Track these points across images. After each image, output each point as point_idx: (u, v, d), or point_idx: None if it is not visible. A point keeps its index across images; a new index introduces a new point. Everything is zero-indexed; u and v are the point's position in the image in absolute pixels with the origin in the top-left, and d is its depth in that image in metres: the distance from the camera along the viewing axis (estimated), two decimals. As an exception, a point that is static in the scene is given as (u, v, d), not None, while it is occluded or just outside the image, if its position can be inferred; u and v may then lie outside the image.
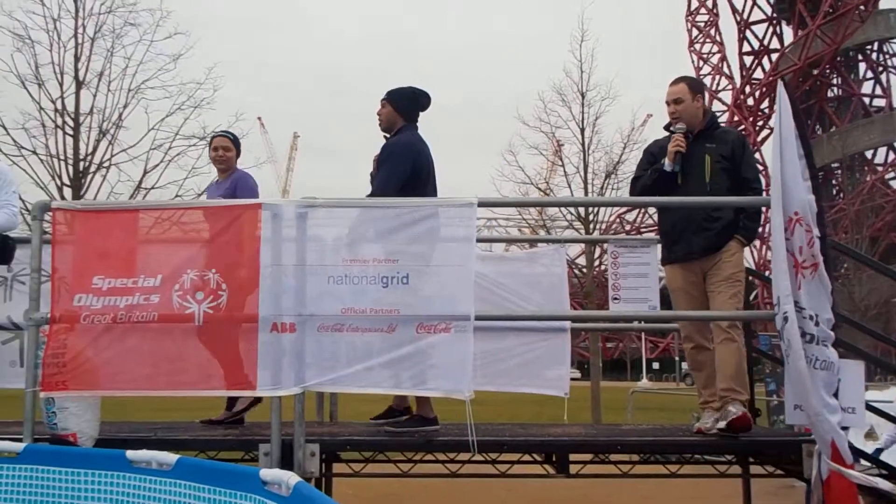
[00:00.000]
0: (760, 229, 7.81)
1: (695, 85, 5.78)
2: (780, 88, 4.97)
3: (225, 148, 6.30)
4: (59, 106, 18.26)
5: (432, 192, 5.65)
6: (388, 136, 5.87)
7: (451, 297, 4.79)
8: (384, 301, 4.80)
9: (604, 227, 24.84)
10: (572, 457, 5.38)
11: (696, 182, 5.57)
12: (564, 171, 24.09)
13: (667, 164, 5.56)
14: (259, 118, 64.52)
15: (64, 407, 4.84)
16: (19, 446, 4.40)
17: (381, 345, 4.80)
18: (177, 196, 17.71)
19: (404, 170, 5.58)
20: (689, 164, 5.58)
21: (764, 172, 14.80)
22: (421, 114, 5.92)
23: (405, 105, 5.87)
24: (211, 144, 6.45)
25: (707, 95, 5.81)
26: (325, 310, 4.80)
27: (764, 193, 5.58)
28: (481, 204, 5.03)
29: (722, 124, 5.85)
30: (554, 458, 5.40)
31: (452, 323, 4.72)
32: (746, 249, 5.87)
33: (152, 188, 18.30)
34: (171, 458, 3.90)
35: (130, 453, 4.04)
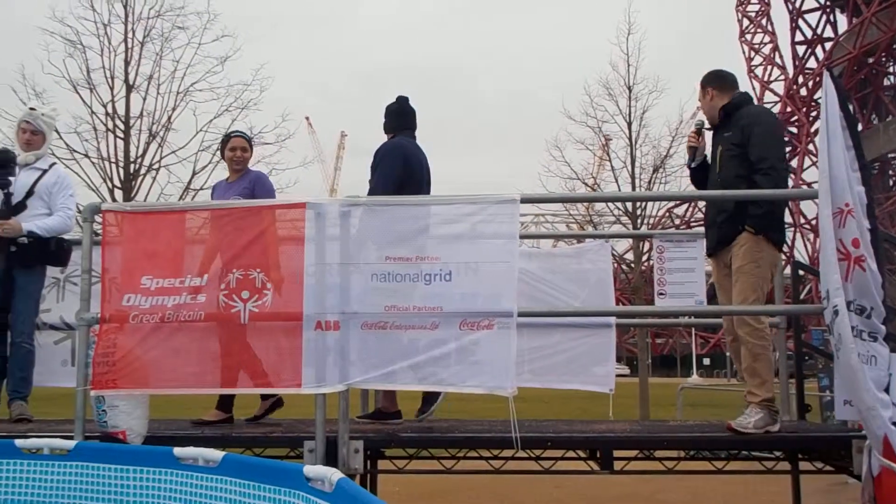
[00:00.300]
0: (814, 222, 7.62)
1: (705, 79, 5.77)
2: (826, 78, 4.88)
3: (243, 149, 6.34)
4: (109, 110, 18.59)
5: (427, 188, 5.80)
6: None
7: (494, 294, 4.79)
8: (427, 298, 4.81)
9: (652, 221, 24.55)
10: (617, 453, 5.34)
11: (711, 174, 5.61)
12: (611, 166, 23.89)
13: (687, 159, 5.62)
14: (307, 118, 65.13)
15: (114, 405, 4.94)
16: (70, 443, 4.50)
17: (424, 342, 4.81)
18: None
19: (396, 169, 5.84)
20: (711, 156, 5.64)
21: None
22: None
23: (390, 120, 6.23)
24: (227, 145, 6.43)
25: (726, 84, 5.68)
26: (369, 307, 4.83)
27: (793, 177, 5.48)
28: (525, 200, 5.02)
29: (750, 106, 5.64)
30: (598, 455, 5.36)
31: (495, 319, 4.71)
32: (799, 241, 5.76)
33: (201, 189, 18.54)
34: (217, 454, 3.95)
35: (178, 450, 4.10)
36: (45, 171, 6.32)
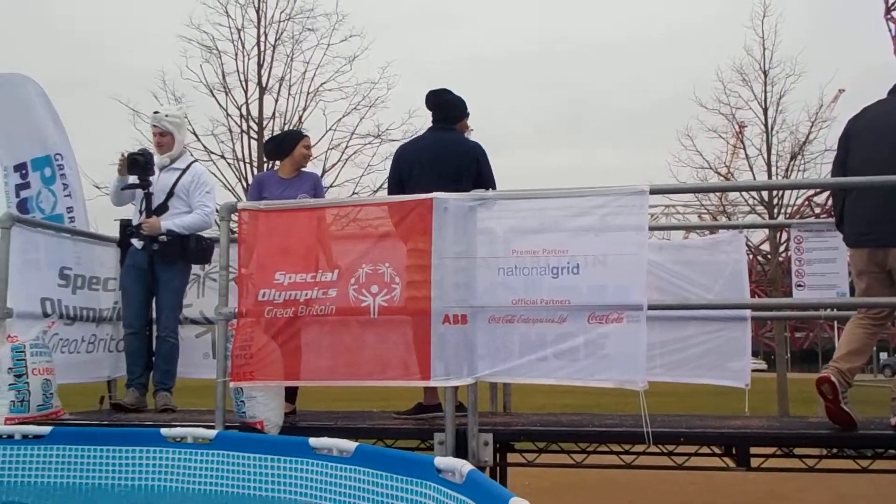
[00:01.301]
0: None
1: None
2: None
3: (311, 149, 6.54)
4: (244, 112, 19.19)
5: (418, 187, 5.52)
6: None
7: (623, 287, 4.71)
8: (555, 292, 4.78)
9: (790, 211, 23.60)
10: (754, 450, 5.17)
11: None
12: (746, 154, 23.07)
13: None
14: (433, 114, 65.43)
15: (252, 396, 5.12)
16: (212, 433, 4.70)
17: (552, 335, 4.78)
18: (353, 193, 18.24)
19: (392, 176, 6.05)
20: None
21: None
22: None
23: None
24: (300, 142, 6.55)
25: None
26: (496, 301, 4.84)
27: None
28: (654, 191, 4.92)
29: None
30: (734, 451, 5.20)
31: (625, 312, 4.64)
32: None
33: (331, 186, 18.92)
34: (350, 445, 4.05)
35: (313, 441, 4.23)
36: (183, 171, 6.58)
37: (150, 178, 6.44)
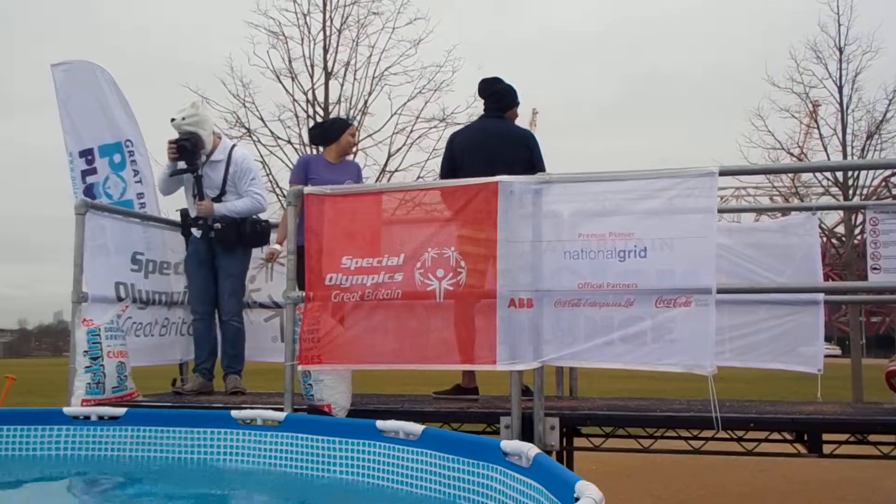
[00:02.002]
0: None
1: None
2: None
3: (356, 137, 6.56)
4: (310, 97, 19.34)
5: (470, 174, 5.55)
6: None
7: (691, 270, 4.65)
8: (621, 275, 4.73)
9: (866, 192, 22.94)
10: (827, 436, 5.06)
11: None
12: (820, 134, 22.51)
13: None
14: (498, 97, 65.28)
15: (319, 379, 5.18)
16: (281, 415, 4.78)
17: (619, 319, 4.74)
18: (419, 177, 18.28)
19: (444, 159, 6.30)
20: None
21: None
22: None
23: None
24: (347, 130, 6.68)
25: None
26: (562, 285, 4.81)
27: None
28: (724, 172, 4.83)
29: None
30: (805, 438, 5.10)
31: (693, 296, 4.57)
32: None
33: (396, 171, 19.00)
34: (417, 428, 4.08)
35: (380, 423, 4.26)
36: (227, 162, 6.58)
37: (198, 162, 6.51)
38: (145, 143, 7.50)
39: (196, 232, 6.55)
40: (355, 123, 7.00)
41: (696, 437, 5.30)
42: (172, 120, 6.52)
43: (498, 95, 6.27)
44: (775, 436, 5.26)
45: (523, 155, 5.98)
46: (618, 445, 5.52)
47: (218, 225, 6.42)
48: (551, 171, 5.40)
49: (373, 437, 4.29)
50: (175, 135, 6.44)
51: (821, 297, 6.48)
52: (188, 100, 7.23)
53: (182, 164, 6.49)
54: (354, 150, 19.81)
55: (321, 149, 6.81)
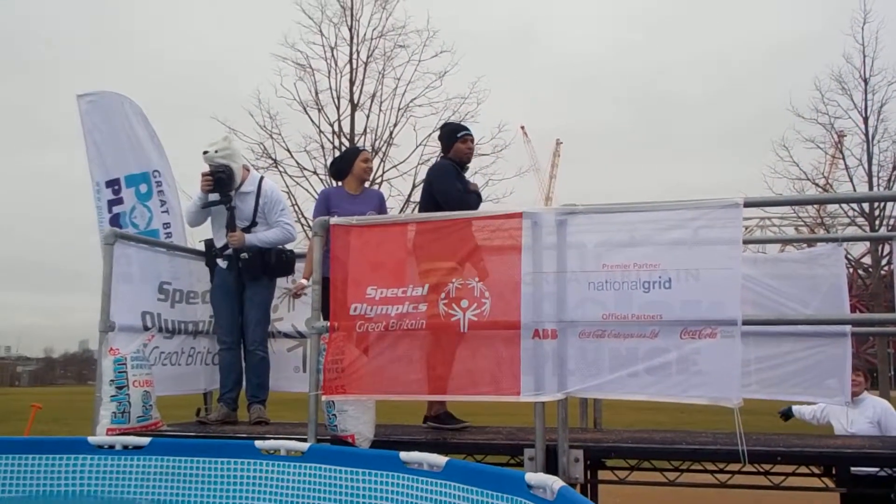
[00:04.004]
0: None
1: None
2: None
3: (371, 163, 6.53)
4: (336, 128, 19.58)
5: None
6: (466, 167, 6.51)
7: (716, 301, 4.62)
8: (646, 306, 4.71)
9: (893, 222, 22.78)
10: (856, 470, 5.00)
11: None
12: (845, 164, 22.46)
13: None
14: (522, 127, 65.42)
15: (343, 410, 5.18)
16: (304, 446, 4.78)
17: (644, 350, 4.72)
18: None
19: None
20: None
21: None
22: None
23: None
24: (358, 157, 6.64)
25: None
26: (587, 316, 4.80)
27: None
28: (749, 204, 4.82)
29: None
30: (833, 471, 5.04)
31: (718, 328, 4.55)
32: None
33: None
34: (441, 460, 4.06)
35: (404, 455, 4.25)
36: (257, 194, 6.65)
37: (231, 194, 6.56)
38: (173, 173, 7.58)
39: (222, 262, 6.60)
40: (367, 149, 7.00)
41: (722, 471, 5.24)
42: (205, 153, 6.57)
43: (441, 141, 6.54)
44: (803, 469, 5.20)
45: (426, 188, 6.35)
46: (643, 479, 5.47)
47: (245, 255, 6.47)
48: (572, 201, 5.40)
49: (396, 469, 4.27)
50: (205, 167, 6.51)
51: (848, 328, 6.42)
52: (219, 133, 7.33)
53: (214, 196, 6.54)
54: (378, 179, 20.13)
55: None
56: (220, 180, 6.46)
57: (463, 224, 5.16)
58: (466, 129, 6.42)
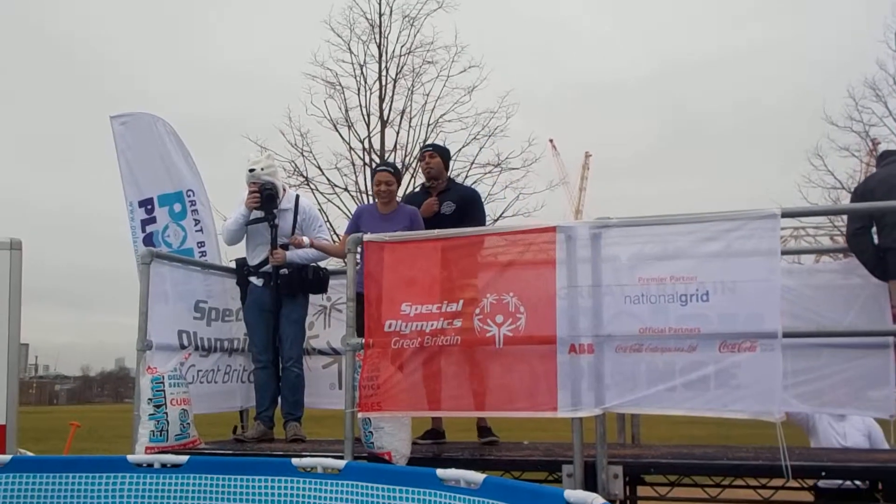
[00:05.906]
0: None
1: None
2: None
3: (388, 182, 6.45)
4: (366, 145, 19.68)
5: None
6: (429, 183, 6.85)
7: (755, 314, 4.57)
8: (683, 320, 4.66)
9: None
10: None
11: None
12: (881, 172, 22.16)
13: None
14: (551, 140, 65.31)
15: (379, 426, 5.17)
16: (341, 463, 4.76)
17: (681, 364, 4.67)
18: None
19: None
20: None
21: None
22: None
23: (448, 160, 7.12)
24: (376, 178, 6.60)
25: None
26: (623, 330, 4.76)
27: None
28: (786, 214, 4.77)
29: None
30: (880, 486, 4.94)
31: (758, 341, 4.49)
32: None
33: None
34: (478, 477, 4.03)
35: (441, 472, 4.22)
36: (295, 211, 6.70)
37: (275, 212, 6.59)
38: (207, 193, 7.64)
39: (257, 281, 6.62)
40: (391, 167, 6.92)
41: (765, 486, 5.17)
42: (251, 171, 6.59)
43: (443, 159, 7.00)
44: (848, 484, 5.11)
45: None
46: (683, 495, 5.41)
47: (284, 270, 6.49)
48: (606, 214, 5.37)
49: (434, 486, 4.24)
50: (244, 184, 6.56)
51: (890, 339, 6.31)
52: (259, 152, 7.36)
53: (257, 213, 6.58)
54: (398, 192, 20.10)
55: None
56: (270, 197, 6.50)
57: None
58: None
